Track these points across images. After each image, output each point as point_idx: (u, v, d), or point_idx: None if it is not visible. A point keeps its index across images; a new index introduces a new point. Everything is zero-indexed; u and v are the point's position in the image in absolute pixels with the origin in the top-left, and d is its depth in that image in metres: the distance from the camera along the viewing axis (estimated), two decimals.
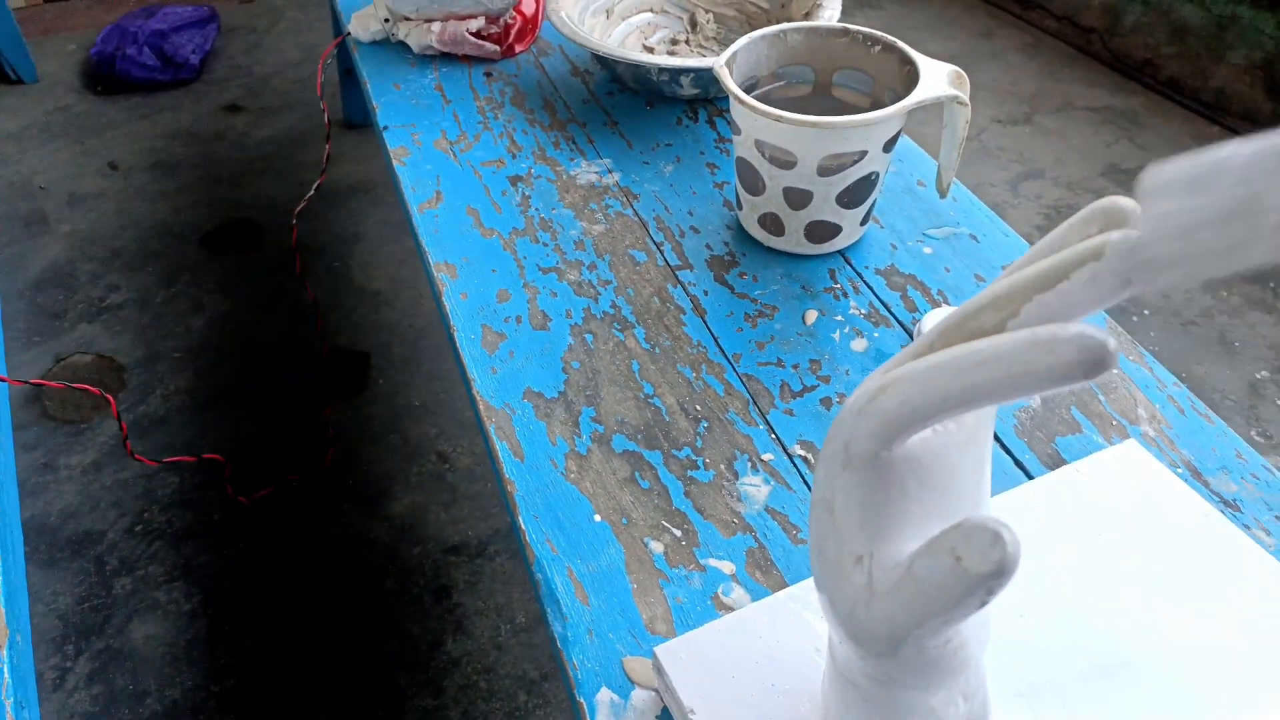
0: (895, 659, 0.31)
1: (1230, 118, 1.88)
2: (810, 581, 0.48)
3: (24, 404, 1.34)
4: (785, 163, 0.71)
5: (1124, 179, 1.76)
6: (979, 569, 0.25)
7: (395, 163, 0.88)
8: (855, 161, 0.70)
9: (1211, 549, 0.50)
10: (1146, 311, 1.50)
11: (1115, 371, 0.66)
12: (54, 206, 1.72)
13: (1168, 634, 0.46)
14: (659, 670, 0.47)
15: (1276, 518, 0.56)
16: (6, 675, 0.51)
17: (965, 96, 0.70)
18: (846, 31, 0.77)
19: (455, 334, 0.71)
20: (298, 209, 1.08)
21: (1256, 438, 1.31)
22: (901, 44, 0.73)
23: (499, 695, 1.00)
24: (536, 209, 0.82)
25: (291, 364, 1.39)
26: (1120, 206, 0.28)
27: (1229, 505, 0.57)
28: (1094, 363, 0.24)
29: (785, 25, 0.77)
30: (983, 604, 0.26)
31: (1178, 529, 0.51)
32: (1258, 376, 1.39)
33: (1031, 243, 0.78)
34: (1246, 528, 0.55)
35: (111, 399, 0.82)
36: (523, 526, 0.57)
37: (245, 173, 1.79)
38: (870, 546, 0.31)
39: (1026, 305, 0.27)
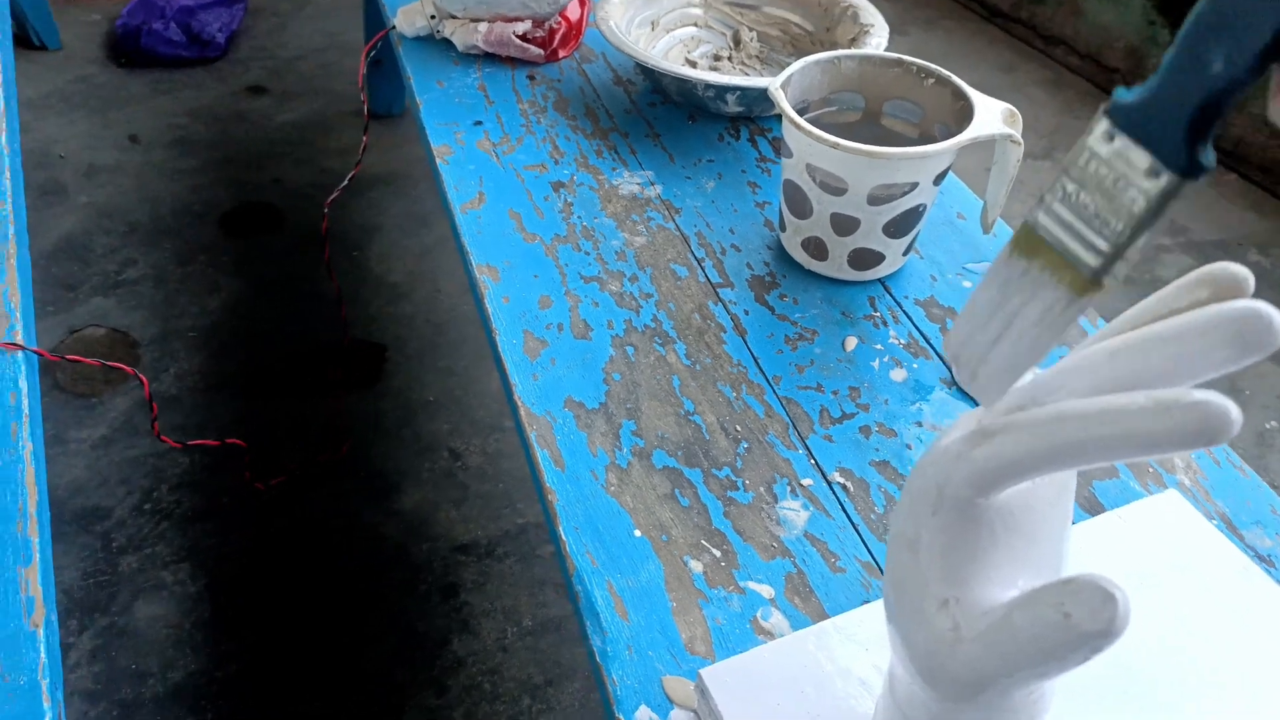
0: (973, 703, 0.31)
1: (1247, 166, 1.90)
2: (856, 613, 0.49)
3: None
4: (836, 189, 0.71)
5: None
6: (1088, 627, 0.25)
7: (439, 160, 0.88)
8: (906, 193, 0.70)
9: (1252, 604, 0.50)
10: None
11: None
12: (72, 176, 1.71)
13: (1204, 686, 0.46)
14: (702, 692, 0.47)
15: None
16: (44, 655, 0.51)
17: (1018, 135, 0.70)
18: (900, 62, 0.77)
19: (497, 338, 0.71)
20: (330, 198, 1.08)
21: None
22: (955, 79, 0.74)
23: (503, 698, 1.00)
24: (579, 217, 0.83)
25: (307, 352, 1.39)
26: (1232, 273, 0.28)
27: (1263, 560, 0.57)
28: (1216, 430, 0.24)
29: (839, 52, 0.78)
30: (1084, 662, 0.26)
31: (1217, 581, 0.51)
32: (1267, 426, 1.40)
33: None
34: None
35: (145, 380, 0.82)
36: (563, 537, 0.57)
37: (266, 155, 1.79)
38: (957, 590, 0.31)
39: (1137, 367, 0.27)
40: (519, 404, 0.66)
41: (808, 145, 0.70)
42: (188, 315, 1.44)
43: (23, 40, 2.04)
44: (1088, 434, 0.26)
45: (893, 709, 0.38)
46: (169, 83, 1.97)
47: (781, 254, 0.80)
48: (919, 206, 0.72)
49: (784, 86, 0.73)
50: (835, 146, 0.67)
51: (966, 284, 0.78)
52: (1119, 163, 0.26)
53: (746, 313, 0.74)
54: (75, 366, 1.33)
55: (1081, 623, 0.25)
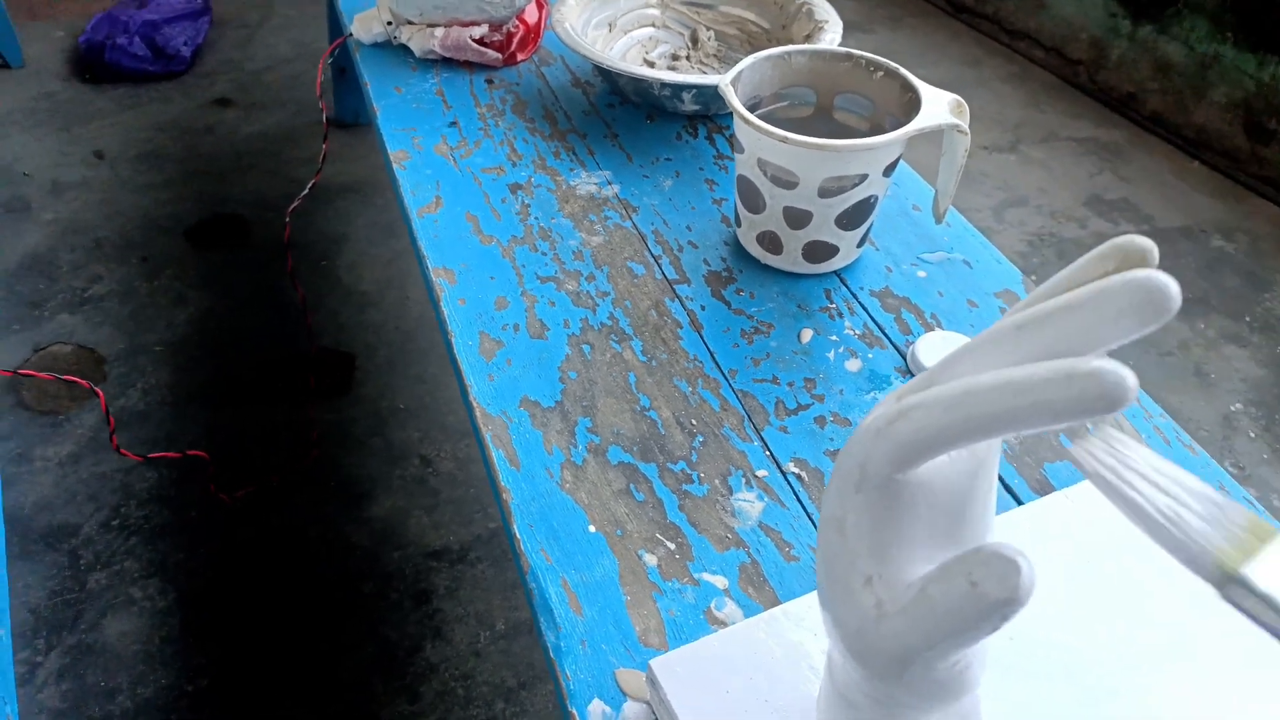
0: (901, 680, 0.31)
1: (1210, 153, 1.92)
2: (805, 599, 0.49)
3: None
4: (787, 183, 0.71)
5: (1105, 209, 1.80)
6: (995, 595, 0.26)
7: (395, 166, 0.88)
8: (856, 184, 0.71)
9: (1198, 579, 0.51)
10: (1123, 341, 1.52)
11: None
12: (37, 193, 1.70)
13: (1154, 663, 0.47)
14: (653, 683, 0.47)
15: None
16: None
17: (965, 125, 0.71)
18: (850, 56, 0.78)
19: (453, 340, 0.71)
20: (291, 207, 1.08)
21: (1230, 469, 1.34)
22: (904, 71, 0.75)
23: (477, 702, 0.99)
24: (536, 218, 0.83)
25: (275, 363, 1.38)
26: (1137, 245, 0.29)
27: None
28: (1113, 397, 0.24)
29: (790, 47, 0.78)
30: (995, 629, 0.27)
31: (1166, 559, 0.52)
32: (1231, 409, 1.42)
33: (1019, 269, 0.79)
34: None
35: (100, 393, 0.82)
36: (517, 535, 0.57)
37: (233, 168, 1.78)
38: (881, 567, 0.31)
39: (1046, 339, 0.28)
40: (474, 405, 0.66)
41: (758, 140, 0.71)
42: (155, 330, 1.43)
43: None
44: (994, 406, 0.27)
45: (832, 692, 0.39)
46: (134, 98, 1.96)
47: (738, 249, 0.80)
48: (870, 198, 0.73)
49: (734, 83, 0.74)
50: (784, 140, 0.68)
51: (921, 274, 0.78)
52: None
53: (703, 308, 0.75)
54: (40, 385, 1.32)
55: (989, 591, 0.26)
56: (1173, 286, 0.25)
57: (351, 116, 1.85)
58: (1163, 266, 0.26)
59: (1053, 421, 0.26)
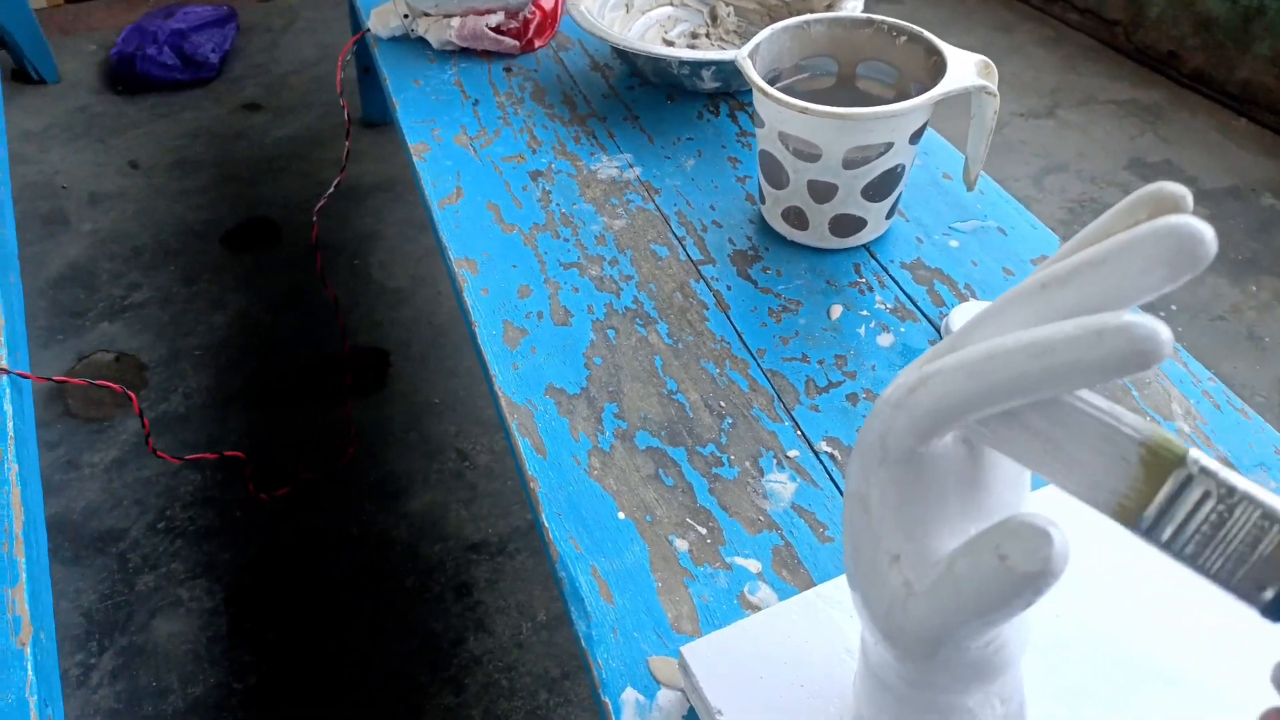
0: (933, 660, 0.30)
1: (1257, 109, 1.85)
2: (840, 580, 0.48)
3: (47, 402, 1.34)
4: (809, 155, 0.70)
5: (1148, 172, 1.74)
6: (1026, 568, 0.24)
7: (415, 159, 0.87)
8: (880, 154, 0.69)
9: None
10: (1174, 307, 1.47)
11: None
12: (75, 205, 1.73)
13: (1206, 637, 0.45)
14: (685, 670, 0.46)
15: None
16: (30, 673, 0.51)
17: (993, 87, 0.68)
18: (871, 22, 0.75)
19: (476, 330, 0.70)
20: (318, 206, 1.08)
21: None
22: (927, 34, 0.72)
23: (520, 694, 0.99)
24: (557, 204, 0.82)
25: (312, 362, 1.39)
26: (1169, 192, 0.27)
27: None
28: (1146, 352, 0.23)
29: (808, 16, 0.76)
30: (1028, 605, 0.25)
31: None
32: None
33: (1058, 236, 0.77)
34: None
35: (133, 396, 0.82)
36: (546, 524, 0.57)
37: (264, 171, 1.80)
38: (908, 545, 0.30)
39: (1073, 296, 0.26)
40: (499, 394, 0.65)
41: (777, 113, 0.69)
42: (194, 334, 1.45)
43: (21, 75, 2.07)
44: (1020, 369, 0.25)
45: (866, 674, 0.37)
46: (166, 106, 1.99)
47: (764, 227, 0.79)
48: (897, 167, 0.71)
49: (752, 56, 0.72)
50: (804, 111, 0.66)
51: (953, 243, 0.76)
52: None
53: (729, 288, 0.73)
54: (85, 392, 1.34)
55: (1018, 564, 0.24)
56: (1207, 232, 0.23)
57: (379, 114, 1.86)
58: (1213, 228, 0.24)
59: (1084, 382, 0.24)
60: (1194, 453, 0.24)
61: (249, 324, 1.47)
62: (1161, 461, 0.24)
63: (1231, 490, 0.24)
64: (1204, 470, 0.24)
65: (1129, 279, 0.25)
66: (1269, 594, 0.24)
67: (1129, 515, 0.24)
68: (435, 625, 1.06)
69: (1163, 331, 0.23)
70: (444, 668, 1.02)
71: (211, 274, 1.56)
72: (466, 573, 1.11)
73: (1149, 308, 1.47)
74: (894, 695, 0.35)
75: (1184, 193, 0.27)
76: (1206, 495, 0.24)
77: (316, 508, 1.19)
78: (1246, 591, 0.24)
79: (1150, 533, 0.25)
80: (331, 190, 1.06)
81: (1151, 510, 0.24)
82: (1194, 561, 0.24)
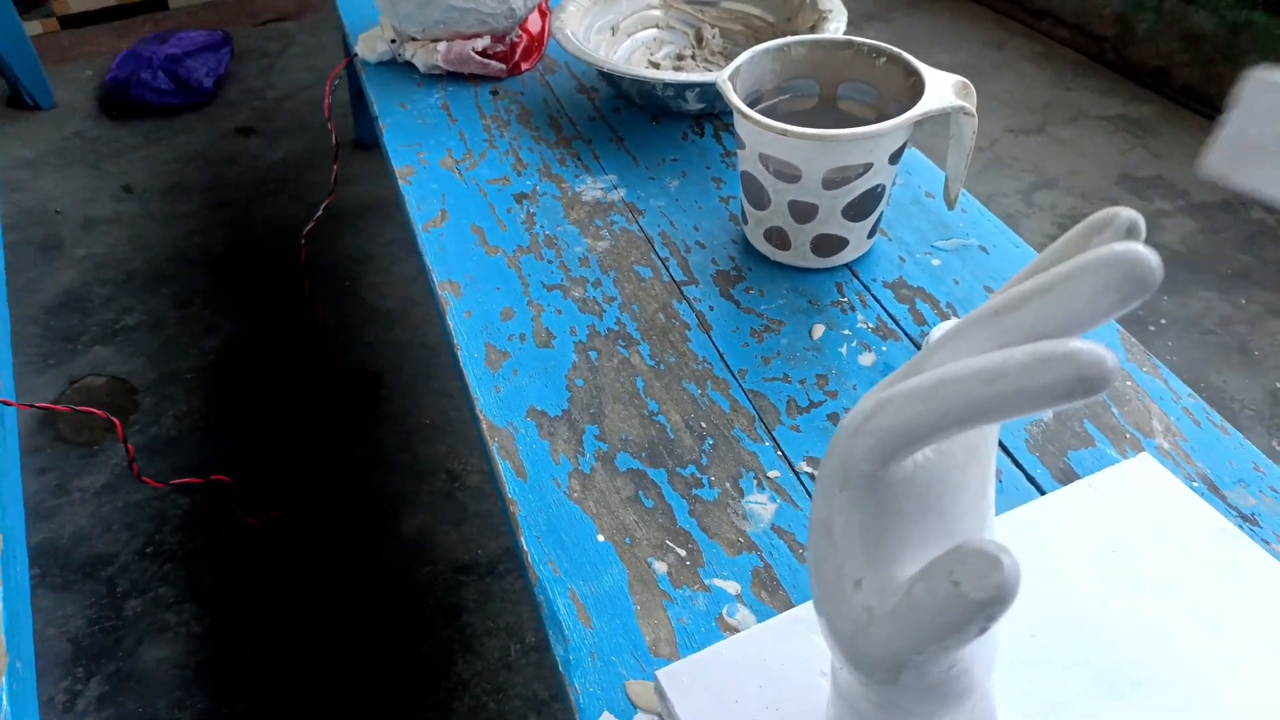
0: (896, 685, 0.30)
1: None
2: None
3: (38, 427, 1.34)
4: (790, 176, 0.70)
5: (1139, 187, 1.75)
6: (977, 595, 0.24)
7: (400, 182, 0.88)
8: (860, 174, 0.69)
9: (1227, 564, 0.48)
10: (1164, 321, 1.47)
11: (1129, 383, 0.65)
12: (69, 230, 1.73)
13: (1183, 651, 0.45)
14: (660, 694, 0.46)
15: None
16: (4, 702, 0.51)
17: (971, 107, 0.69)
18: (850, 44, 0.76)
19: (459, 353, 0.70)
20: (306, 230, 1.08)
21: (1278, 448, 1.29)
22: (906, 55, 0.73)
23: (509, 716, 0.99)
24: (541, 226, 0.82)
25: (303, 385, 1.39)
26: (1121, 218, 0.27)
27: (1247, 520, 0.55)
28: (1091, 379, 0.23)
29: (789, 39, 0.77)
30: (983, 630, 0.25)
31: (1192, 544, 0.50)
32: (1278, 385, 1.36)
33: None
34: (1265, 542, 0.54)
35: (118, 422, 0.82)
36: (525, 548, 0.57)
37: (258, 195, 1.80)
38: (869, 570, 0.30)
39: (1024, 319, 0.26)
40: (480, 417, 0.65)
41: (757, 134, 0.69)
42: (185, 358, 1.45)
43: (17, 101, 2.08)
44: (970, 396, 0.25)
45: (836, 698, 0.37)
46: (160, 131, 2.00)
47: (747, 248, 0.79)
48: (877, 187, 0.71)
49: (732, 78, 0.73)
50: (784, 134, 0.67)
51: (935, 262, 0.76)
52: None
53: (712, 308, 0.73)
54: (75, 418, 1.34)
55: (970, 590, 0.24)
56: (1153, 259, 0.24)
57: (371, 138, 1.87)
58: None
59: (1032, 409, 0.24)
60: None
61: (240, 347, 1.47)
62: None
63: None
64: None
65: (1079, 304, 0.25)
66: None
67: None
68: (424, 649, 1.05)
69: (1108, 359, 0.23)
70: (432, 691, 1.01)
71: (203, 298, 1.57)
72: (455, 595, 1.10)
73: (1138, 320, 1.47)
74: (864, 719, 0.35)
75: (1135, 218, 0.27)
76: None
77: (307, 531, 1.18)
78: None
79: None
80: (320, 213, 1.06)
81: None
82: None
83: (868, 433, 0.28)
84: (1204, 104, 1.92)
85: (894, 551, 0.30)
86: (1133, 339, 0.69)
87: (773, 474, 0.60)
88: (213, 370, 1.43)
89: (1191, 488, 0.55)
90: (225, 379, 1.41)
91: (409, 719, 0.99)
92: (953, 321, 0.69)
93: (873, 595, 0.29)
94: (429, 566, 1.13)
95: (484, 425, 0.64)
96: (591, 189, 0.86)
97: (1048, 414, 0.63)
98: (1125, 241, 0.24)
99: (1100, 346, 0.23)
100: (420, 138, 0.94)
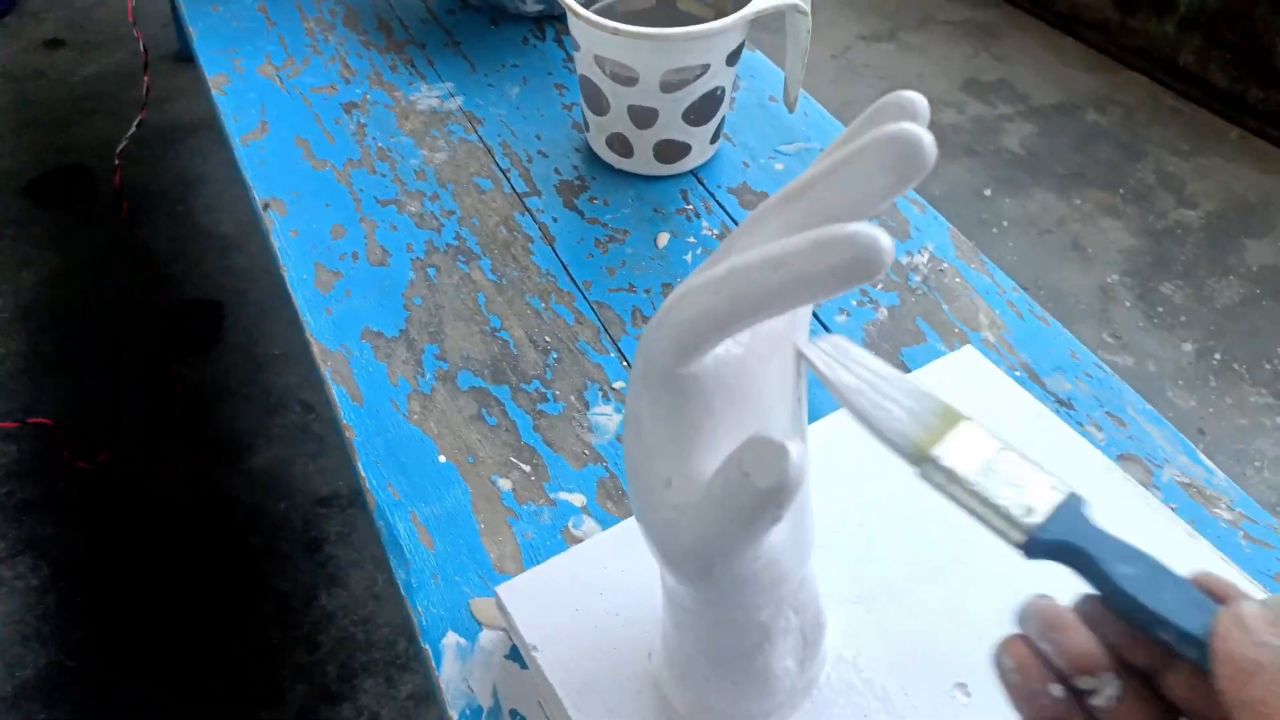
0: (709, 579, 0.30)
1: (1082, 28, 1.93)
2: None
3: None
4: (627, 79, 0.68)
5: (983, 92, 1.80)
6: (763, 484, 0.24)
7: (214, 92, 0.81)
8: (699, 75, 0.68)
9: (1044, 447, 0.51)
10: (1005, 223, 1.54)
11: (958, 280, 0.67)
12: None
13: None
14: (502, 609, 0.45)
15: (1107, 414, 0.58)
16: None
17: (806, 6, 0.68)
18: None
19: (285, 275, 0.66)
20: (120, 148, 0.99)
21: (1108, 339, 1.38)
22: None
23: (378, 645, 0.98)
24: (373, 138, 0.78)
25: (134, 319, 1.30)
26: (903, 99, 0.27)
27: (1063, 404, 0.59)
28: (867, 260, 0.22)
29: None
30: (775, 519, 0.25)
31: (1011, 430, 0.52)
32: (1108, 280, 1.46)
33: None
34: (1080, 425, 0.57)
35: None
36: (362, 473, 0.55)
37: (71, 114, 1.64)
38: (679, 467, 0.29)
39: (812, 207, 0.26)
40: (311, 341, 0.62)
41: (591, 35, 0.66)
42: (0, 296, 1.33)
43: None
44: (757, 284, 0.25)
45: (665, 598, 0.37)
46: None
47: (590, 156, 0.77)
48: (716, 90, 0.70)
49: None
50: (616, 33, 0.64)
51: (779, 166, 0.76)
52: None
53: (555, 220, 0.71)
54: None
55: (758, 479, 0.24)
56: (926, 137, 0.23)
57: None
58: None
59: (817, 293, 0.24)
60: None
61: (62, 282, 1.35)
62: (952, 417, 0.29)
63: (1004, 443, 0.28)
64: (983, 430, 0.29)
65: (857, 187, 0.24)
66: (1031, 519, 0.27)
67: (921, 450, 0.28)
68: (285, 584, 1.02)
69: (883, 239, 0.22)
70: (295, 626, 0.99)
71: (16, 229, 1.43)
72: (316, 528, 1.07)
73: (981, 223, 1.53)
74: (690, 615, 0.36)
75: (915, 100, 0.26)
76: (986, 440, 0.28)
77: (147, 472, 1.12)
78: (1007, 521, 0.27)
79: (934, 463, 0.28)
80: (133, 131, 0.98)
81: (941, 447, 0.28)
82: (966, 491, 0.28)
83: (667, 326, 0.28)
84: (1044, 8, 1.98)
85: (702, 449, 0.30)
86: (962, 237, 0.71)
87: (618, 385, 0.60)
88: (30, 308, 1.31)
89: (1014, 377, 0.58)
90: (46, 317, 1.30)
91: (273, 655, 0.97)
92: None
93: (681, 493, 0.29)
94: (285, 501, 1.10)
95: (315, 350, 0.61)
96: (427, 97, 0.82)
97: (882, 310, 0.65)
98: (899, 123, 0.24)
99: (875, 228, 0.23)
100: (236, 43, 0.87)
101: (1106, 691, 0.25)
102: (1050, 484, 0.27)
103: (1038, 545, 0.27)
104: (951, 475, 0.28)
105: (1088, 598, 0.26)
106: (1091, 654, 0.25)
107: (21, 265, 1.37)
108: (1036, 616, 0.26)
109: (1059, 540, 0.26)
